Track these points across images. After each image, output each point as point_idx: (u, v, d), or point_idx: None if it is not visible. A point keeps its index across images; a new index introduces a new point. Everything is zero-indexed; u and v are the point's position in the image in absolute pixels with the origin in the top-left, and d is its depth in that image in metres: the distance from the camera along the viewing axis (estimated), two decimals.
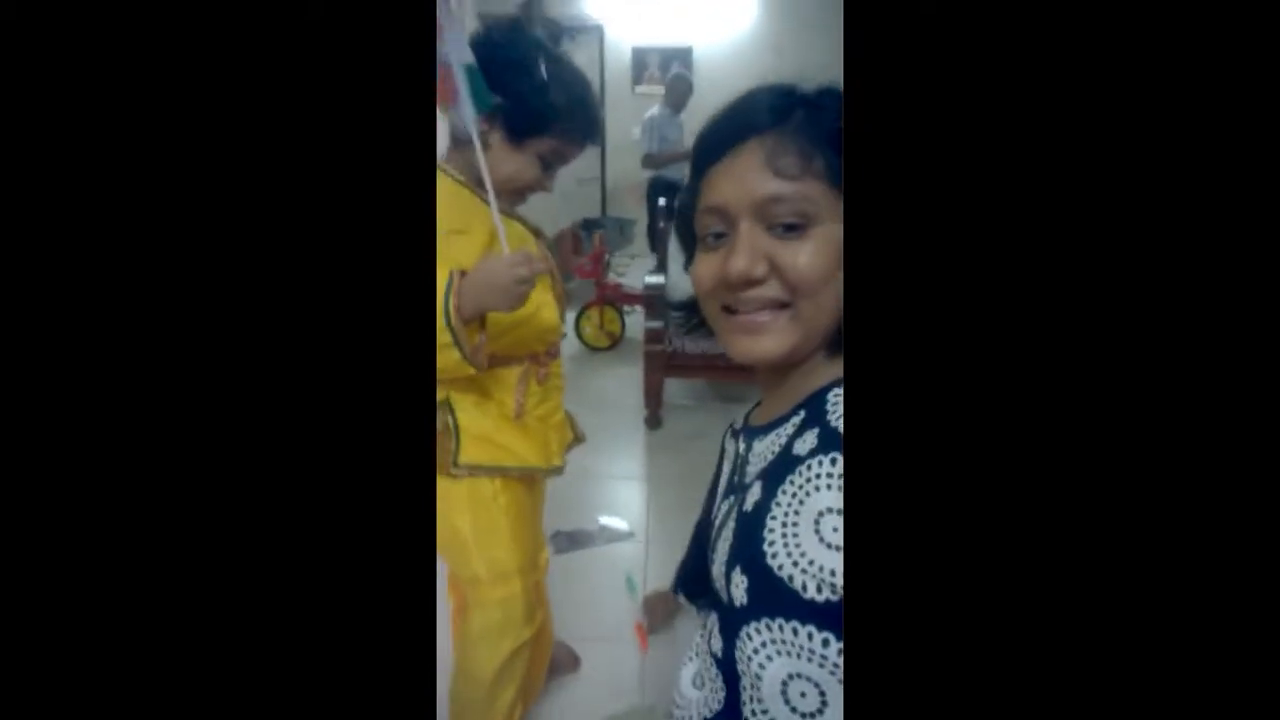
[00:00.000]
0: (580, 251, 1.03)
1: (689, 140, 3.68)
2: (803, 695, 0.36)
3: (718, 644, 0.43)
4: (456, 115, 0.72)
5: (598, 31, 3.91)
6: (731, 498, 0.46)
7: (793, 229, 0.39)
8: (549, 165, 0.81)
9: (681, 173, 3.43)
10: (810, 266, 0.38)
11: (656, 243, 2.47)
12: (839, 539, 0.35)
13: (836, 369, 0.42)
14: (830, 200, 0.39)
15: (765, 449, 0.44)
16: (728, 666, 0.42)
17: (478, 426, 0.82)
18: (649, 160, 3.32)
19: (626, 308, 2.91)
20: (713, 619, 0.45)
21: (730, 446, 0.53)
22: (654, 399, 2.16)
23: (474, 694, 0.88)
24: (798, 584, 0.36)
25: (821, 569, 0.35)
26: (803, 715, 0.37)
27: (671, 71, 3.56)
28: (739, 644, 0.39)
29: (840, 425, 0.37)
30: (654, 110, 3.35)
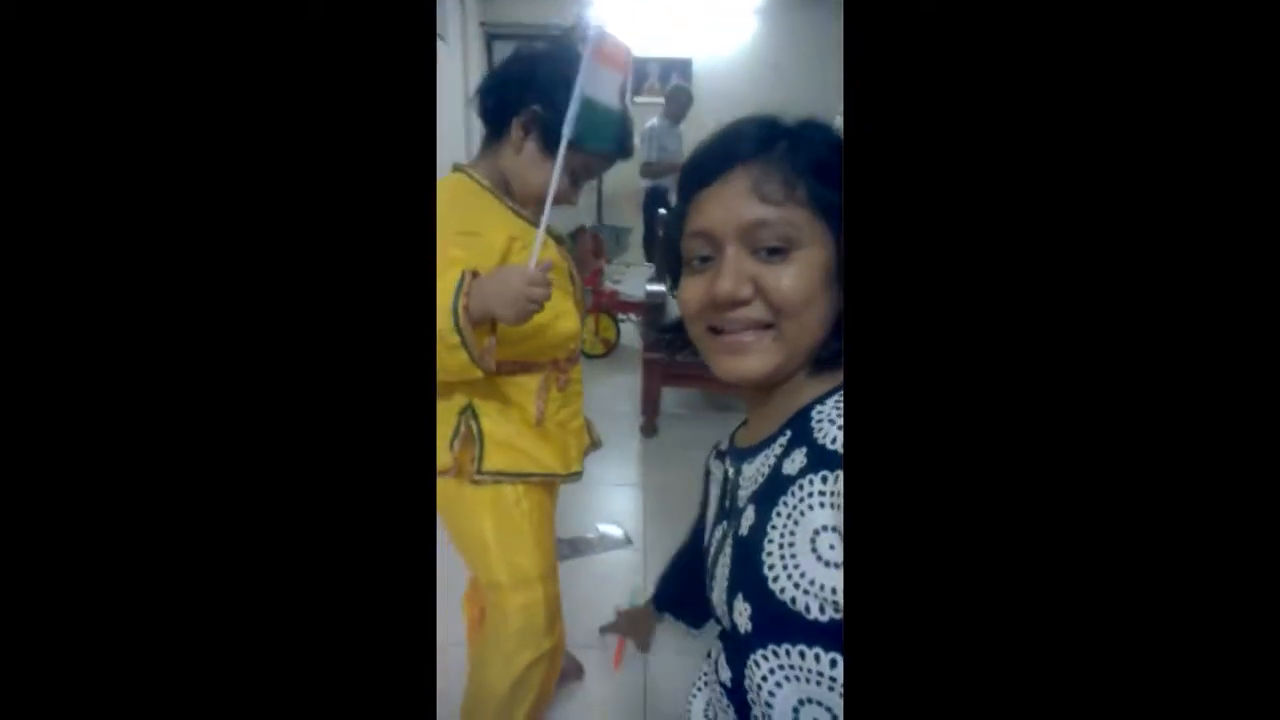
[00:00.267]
0: (601, 254, 1.04)
1: (688, 151, 3.73)
2: None
3: (726, 673, 0.43)
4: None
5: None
6: (725, 523, 0.47)
7: (776, 252, 0.40)
8: (577, 178, 0.82)
9: (676, 183, 3.45)
10: (793, 288, 0.40)
11: (655, 251, 2.48)
12: (837, 556, 0.35)
13: (819, 387, 0.43)
14: (813, 225, 0.40)
15: (754, 472, 0.44)
16: (738, 695, 0.42)
17: (501, 433, 0.82)
18: (647, 169, 3.34)
19: (621, 315, 2.92)
20: (718, 647, 0.46)
21: (716, 470, 0.53)
22: (651, 407, 2.16)
23: (489, 706, 0.87)
24: (800, 606, 0.36)
25: (823, 588, 0.35)
26: None
27: (671, 83, 3.60)
28: (747, 672, 0.39)
29: (828, 443, 0.38)
30: (654, 120, 3.38)
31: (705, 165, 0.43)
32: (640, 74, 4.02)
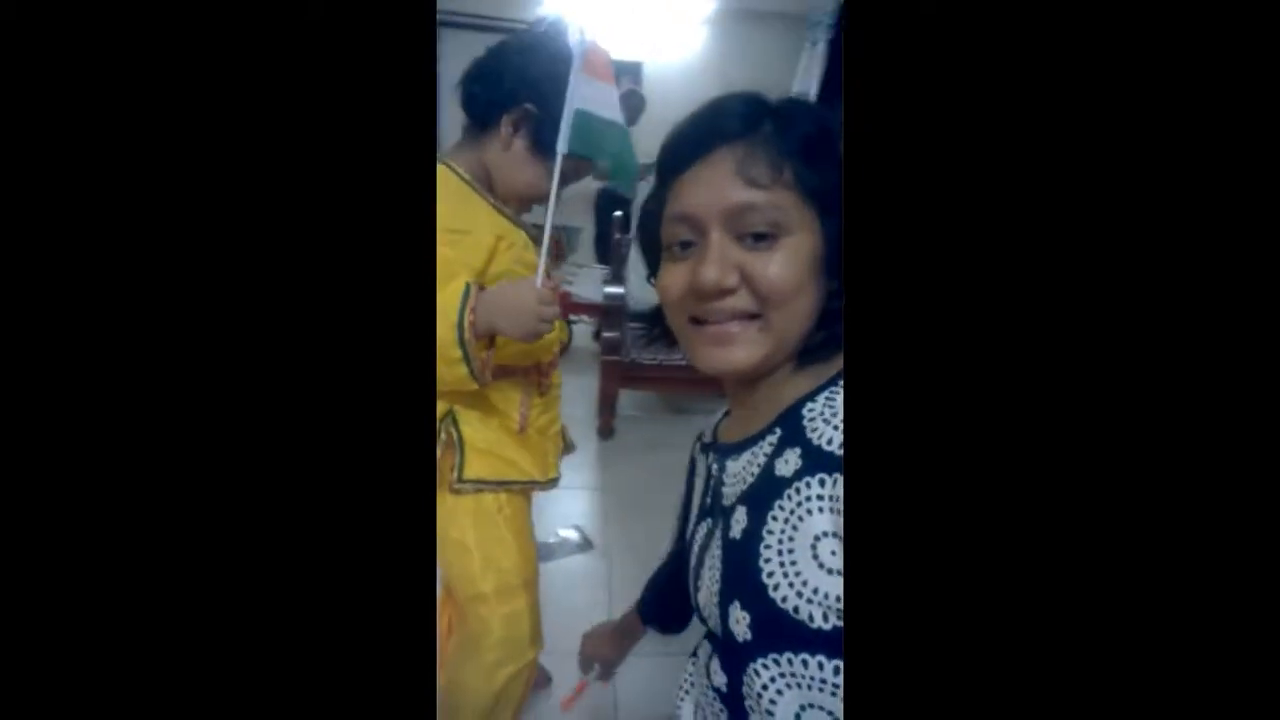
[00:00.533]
0: (564, 256, 1.04)
1: (641, 156, 3.72)
2: None
3: (720, 679, 0.41)
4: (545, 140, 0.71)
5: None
6: (709, 520, 0.45)
7: (763, 239, 0.38)
8: (566, 180, 0.81)
9: (632, 187, 3.47)
10: (781, 277, 0.38)
11: (610, 253, 2.48)
12: (839, 563, 0.34)
13: (806, 382, 0.41)
14: (800, 210, 0.39)
15: (742, 469, 0.42)
16: (733, 701, 0.41)
17: (482, 440, 0.80)
18: (599, 171, 3.33)
19: (573, 317, 2.89)
20: (707, 650, 0.45)
21: (700, 463, 0.52)
22: (607, 409, 2.16)
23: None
24: (804, 615, 0.35)
25: (826, 596, 0.34)
26: None
27: (623, 87, 3.60)
28: (746, 680, 0.38)
29: (824, 444, 0.37)
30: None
31: (687, 144, 0.41)
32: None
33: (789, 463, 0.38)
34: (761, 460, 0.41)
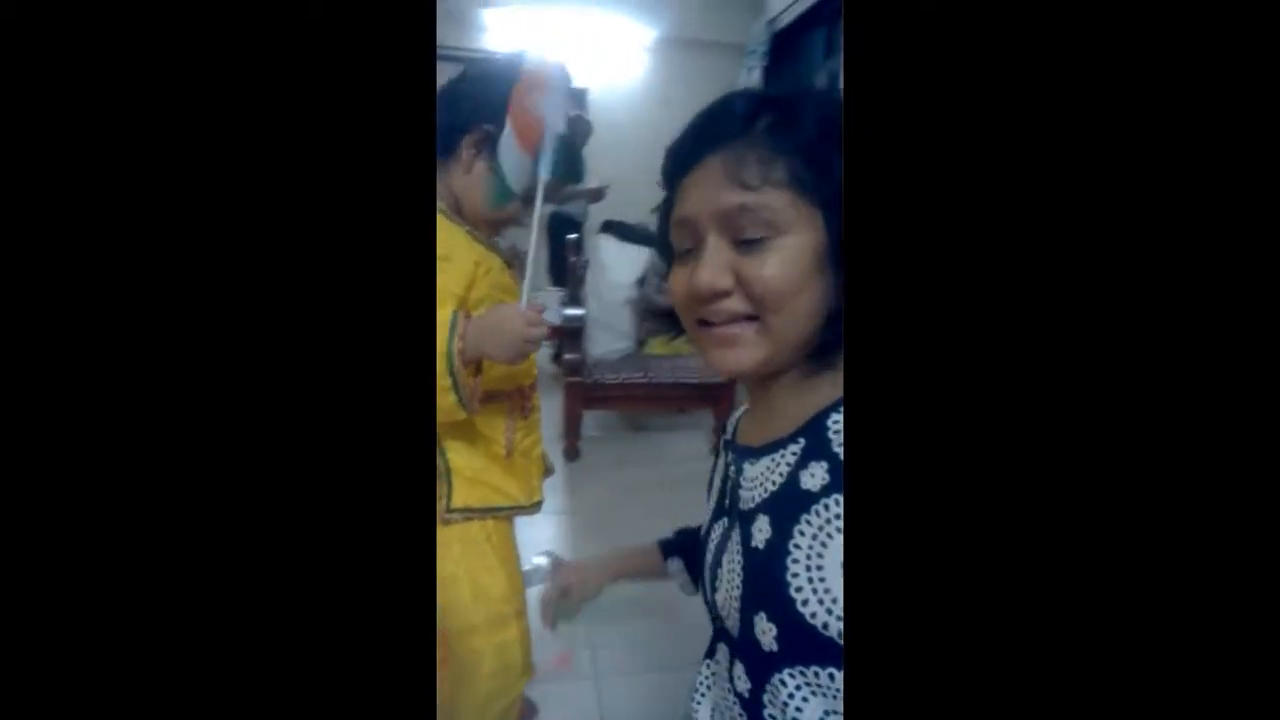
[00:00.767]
0: (538, 324, 1.03)
1: (589, 178, 3.74)
2: None
3: (744, 684, 0.42)
4: (525, 167, 0.72)
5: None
6: (724, 521, 0.46)
7: (757, 241, 0.38)
8: (529, 200, 0.83)
9: (582, 209, 3.51)
10: (775, 278, 0.38)
11: (566, 275, 2.49)
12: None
13: (829, 389, 0.41)
14: (796, 209, 0.38)
15: (762, 475, 0.42)
16: (755, 707, 0.41)
17: (469, 468, 0.79)
18: (551, 194, 3.35)
19: None
20: (725, 653, 0.45)
21: (720, 460, 0.52)
22: (572, 431, 2.16)
23: None
24: (833, 632, 0.35)
25: (844, 612, 0.35)
26: None
27: (570, 112, 3.65)
28: (771, 688, 0.39)
29: None
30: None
31: (685, 149, 0.41)
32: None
33: (815, 476, 0.38)
34: (784, 470, 0.41)
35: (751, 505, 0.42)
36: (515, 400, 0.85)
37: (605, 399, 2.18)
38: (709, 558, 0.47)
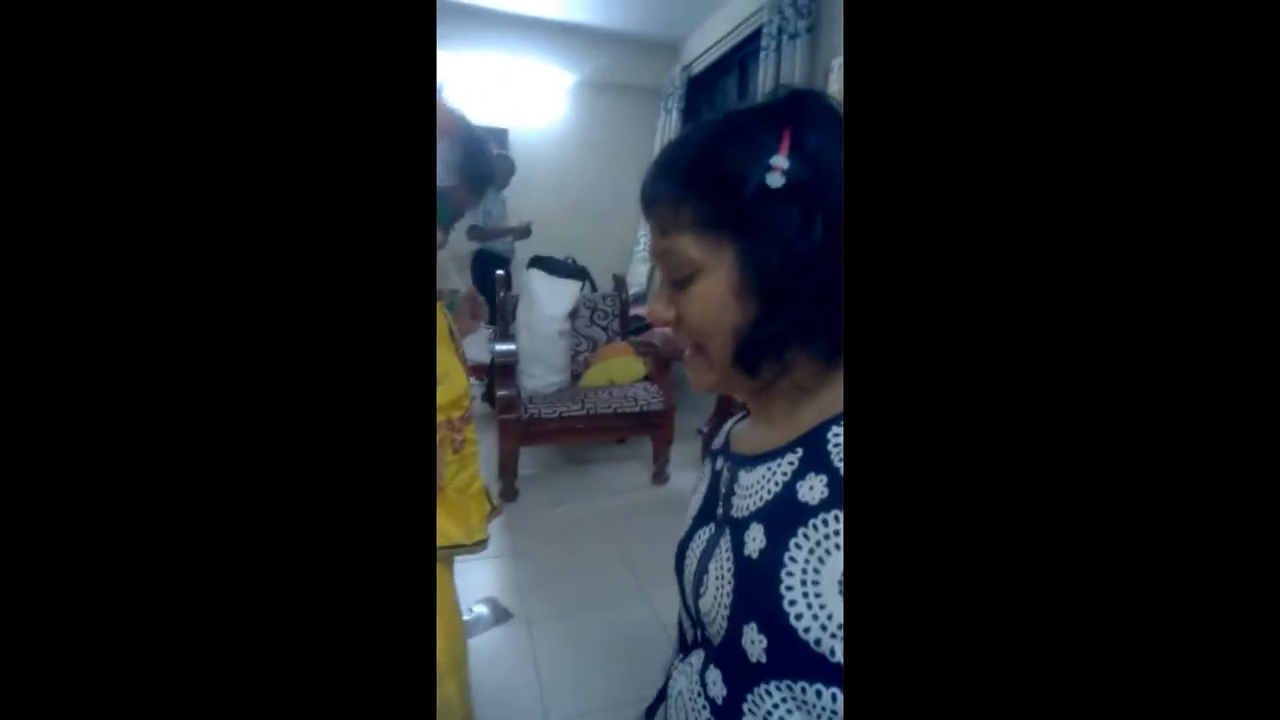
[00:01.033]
0: (479, 315, 1.02)
1: (512, 217, 3.73)
2: None
3: (719, 691, 0.42)
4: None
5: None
6: (711, 526, 0.46)
7: (685, 279, 0.41)
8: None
9: (508, 246, 3.48)
10: (693, 315, 0.42)
11: (495, 312, 2.45)
12: None
13: (829, 400, 0.42)
14: (701, 246, 0.40)
15: (758, 483, 0.43)
16: (729, 715, 0.41)
17: None
18: (475, 232, 3.31)
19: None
20: (699, 657, 0.44)
21: (709, 465, 0.53)
22: (509, 470, 2.08)
23: None
24: (825, 648, 0.35)
25: (844, 631, 0.34)
26: None
27: (492, 151, 3.66)
28: (753, 698, 0.39)
29: None
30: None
31: (643, 195, 0.44)
32: None
33: (814, 489, 0.39)
34: (780, 479, 0.41)
35: (746, 513, 0.43)
36: (444, 433, 0.81)
37: (543, 434, 2.12)
38: (692, 564, 0.46)
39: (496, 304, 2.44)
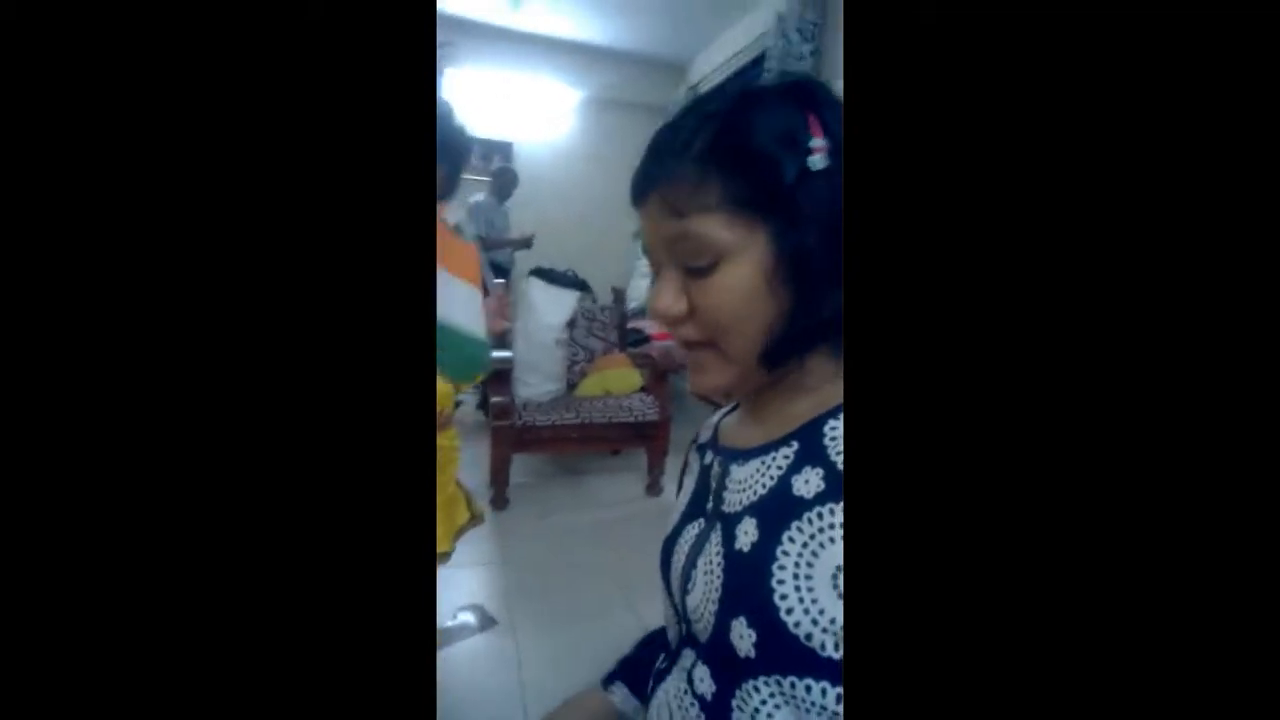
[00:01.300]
0: (507, 317, 0.99)
1: (514, 229, 3.76)
2: None
3: (707, 687, 0.40)
4: None
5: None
6: (701, 522, 0.45)
7: (705, 267, 0.38)
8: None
9: (507, 256, 3.51)
10: (716, 306, 0.38)
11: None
12: None
13: (825, 394, 0.40)
14: (733, 229, 0.37)
15: (751, 478, 0.42)
16: (718, 713, 0.40)
17: None
18: (479, 243, 3.34)
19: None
20: (689, 656, 0.43)
21: (694, 460, 0.51)
22: (500, 478, 2.06)
23: None
24: (816, 643, 0.34)
25: (844, 628, 0.33)
26: None
27: (495, 164, 3.71)
28: (741, 694, 0.38)
29: None
30: (479, 196, 3.43)
31: (636, 181, 0.41)
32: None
33: (809, 483, 0.38)
34: (775, 473, 0.40)
35: (738, 508, 0.41)
36: None
37: (536, 442, 2.11)
38: (680, 560, 0.45)
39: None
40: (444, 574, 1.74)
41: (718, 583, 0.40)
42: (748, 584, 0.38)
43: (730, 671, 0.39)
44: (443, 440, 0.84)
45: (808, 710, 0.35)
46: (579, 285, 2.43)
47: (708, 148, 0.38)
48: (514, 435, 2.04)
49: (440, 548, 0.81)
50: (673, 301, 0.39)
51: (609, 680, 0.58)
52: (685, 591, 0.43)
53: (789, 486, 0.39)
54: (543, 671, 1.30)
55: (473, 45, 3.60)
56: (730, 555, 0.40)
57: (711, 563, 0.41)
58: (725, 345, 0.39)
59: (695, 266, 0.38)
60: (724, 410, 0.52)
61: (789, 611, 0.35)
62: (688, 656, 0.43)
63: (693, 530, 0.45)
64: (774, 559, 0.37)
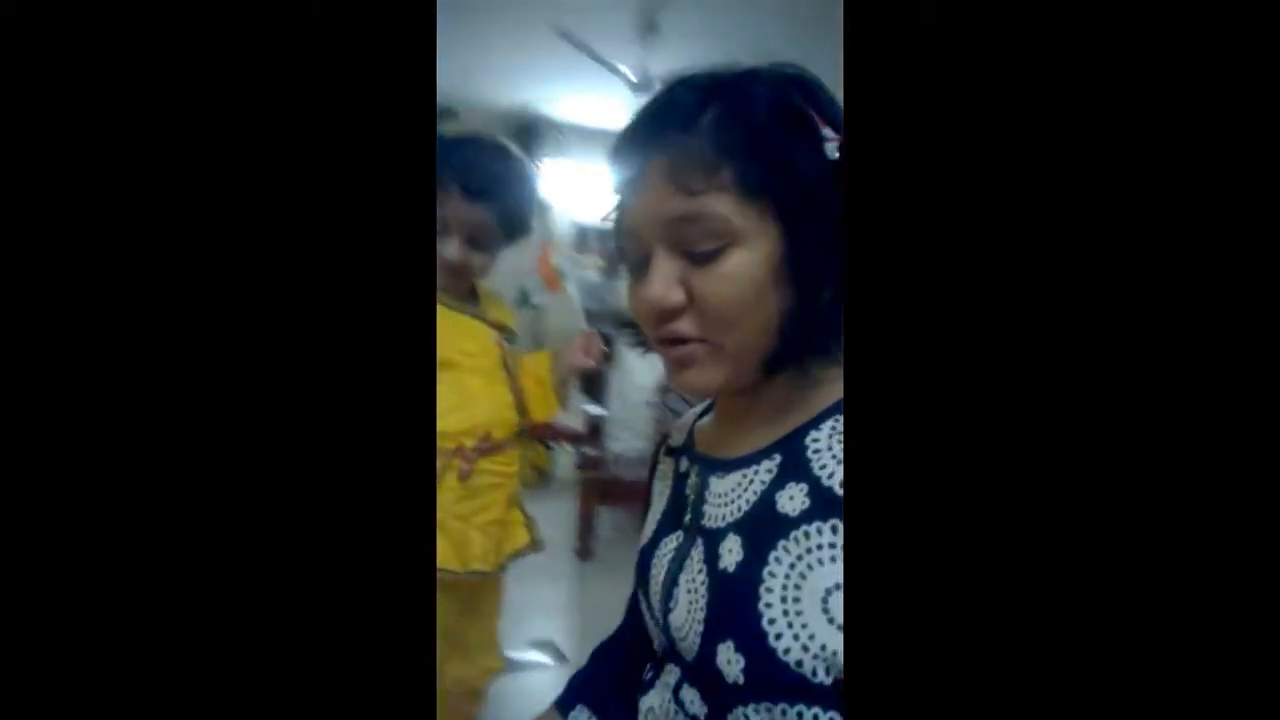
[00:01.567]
0: (593, 355, 0.95)
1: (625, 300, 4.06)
2: None
3: (699, 709, 0.39)
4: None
5: (545, 207, 4.52)
6: (679, 535, 0.43)
7: (710, 253, 0.35)
8: (476, 243, 0.84)
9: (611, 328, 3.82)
10: (723, 297, 0.35)
11: (593, 376, 2.67)
12: None
13: (812, 402, 0.38)
14: (745, 214, 0.34)
15: (730, 490, 0.39)
16: None
17: None
18: (586, 315, 3.73)
19: (552, 443, 2.96)
20: (674, 674, 0.41)
21: (667, 465, 0.49)
22: (586, 528, 2.19)
23: None
24: (806, 669, 0.33)
25: (835, 654, 0.32)
26: None
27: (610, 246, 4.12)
28: (732, 717, 0.36)
29: (835, 485, 0.34)
30: (595, 276, 3.91)
31: (627, 150, 0.38)
32: (581, 238, 4.59)
33: (794, 500, 0.36)
34: (758, 487, 0.38)
35: (720, 523, 0.39)
36: (451, 459, 0.86)
37: (622, 496, 2.22)
38: (660, 574, 0.43)
39: (593, 377, 2.66)
40: (521, 611, 1.87)
41: (702, 602, 0.38)
42: (734, 607, 0.36)
43: (719, 696, 0.37)
44: (494, 464, 0.89)
45: None
46: None
47: (720, 119, 0.35)
48: (601, 487, 2.17)
49: (473, 565, 0.84)
50: (669, 290, 0.36)
51: (567, 704, 0.55)
52: (667, 609, 0.41)
53: (773, 503, 0.37)
54: None
55: (587, 141, 4.07)
56: (714, 574, 0.38)
57: (695, 581, 0.39)
58: (724, 341, 0.36)
59: (701, 251, 0.35)
60: (697, 411, 0.49)
61: (778, 637, 0.33)
62: (672, 673, 0.42)
63: (671, 542, 0.43)
64: (761, 580, 0.35)
